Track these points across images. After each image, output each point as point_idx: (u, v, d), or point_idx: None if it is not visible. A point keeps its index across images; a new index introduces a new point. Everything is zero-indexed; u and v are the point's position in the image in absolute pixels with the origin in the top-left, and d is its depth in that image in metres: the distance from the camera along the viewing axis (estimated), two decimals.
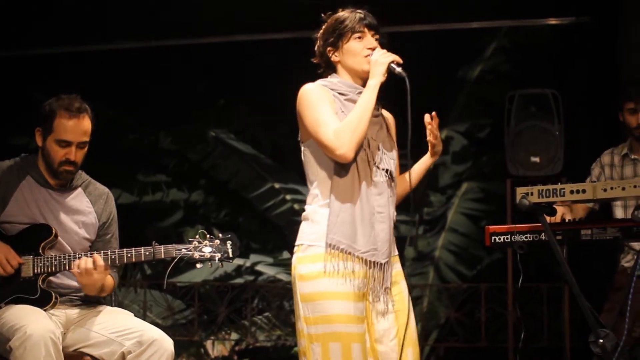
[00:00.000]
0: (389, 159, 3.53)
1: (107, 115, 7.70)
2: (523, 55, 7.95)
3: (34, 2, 6.57)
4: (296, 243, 3.51)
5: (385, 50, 3.49)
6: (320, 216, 3.45)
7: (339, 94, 3.51)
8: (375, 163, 3.47)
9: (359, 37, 3.51)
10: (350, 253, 3.40)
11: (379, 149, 3.50)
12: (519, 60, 8.05)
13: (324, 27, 3.58)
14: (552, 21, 6.97)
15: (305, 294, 3.43)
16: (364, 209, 3.42)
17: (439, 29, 7.03)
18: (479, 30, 7.79)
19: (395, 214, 3.56)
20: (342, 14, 3.56)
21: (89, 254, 3.74)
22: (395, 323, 3.48)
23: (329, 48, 3.56)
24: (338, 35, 3.53)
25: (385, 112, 3.66)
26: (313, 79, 3.55)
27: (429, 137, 3.62)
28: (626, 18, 6.28)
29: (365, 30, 3.52)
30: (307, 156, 3.53)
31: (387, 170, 3.50)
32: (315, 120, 3.43)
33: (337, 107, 3.48)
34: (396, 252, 3.59)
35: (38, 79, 7.31)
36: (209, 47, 7.62)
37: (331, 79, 3.56)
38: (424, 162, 3.68)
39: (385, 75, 3.45)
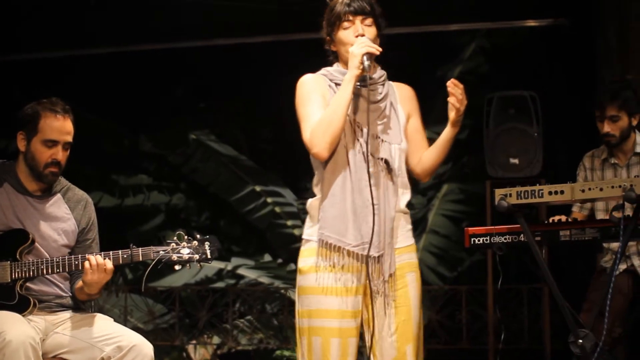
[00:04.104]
0: (388, 147, 3.43)
1: (88, 119, 7.67)
2: (502, 57, 7.97)
3: (13, 7, 6.54)
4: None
5: (364, 40, 3.37)
6: (315, 210, 3.44)
7: (335, 84, 3.45)
8: (370, 153, 3.39)
9: (347, 25, 3.42)
10: (340, 248, 3.37)
11: (375, 138, 3.41)
12: (498, 62, 8.07)
13: (324, 16, 3.51)
14: (531, 23, 6.98)
15: (299, 287, 3.45)
16: (356, 202, 3.36)
17: (419, 31, 7.04)
18: (458, 32, 7.81)
19: (399, 203, 3.46)
20: (334, 1, 3.47)
21: (94, 253, 3.72)
22: (395, 319, 3.41)
23: (327, 38, 3.50)
24: (330, 25, 3.46)
25: (399, 86, 3.57)
26: (294, 83, 3.50)
27: (452, 100, 3.47)
28: (603, 20, 6.32)
29: (351, 17, 3.42)
30: None
31: (384, 160, 3.41)
32: (301, 115, 3.43)
33: (331, 98, 3.41)
34: (406, 243, 3.48)
35: (17, 83, 7.28)
36: (189, 51, 7.61)
37: (330, 68, 3.50)
38: (446, 135, 3.55)
39: (361, 67, 3.34)
